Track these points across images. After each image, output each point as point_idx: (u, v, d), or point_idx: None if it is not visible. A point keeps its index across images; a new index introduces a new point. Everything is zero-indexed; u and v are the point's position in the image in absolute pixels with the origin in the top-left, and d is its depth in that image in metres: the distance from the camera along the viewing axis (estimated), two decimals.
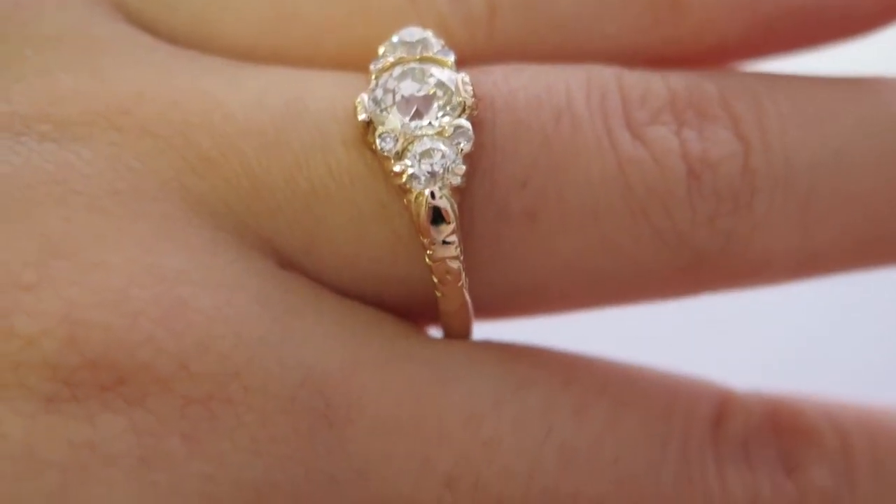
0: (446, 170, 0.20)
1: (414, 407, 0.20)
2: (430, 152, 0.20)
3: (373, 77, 0.21)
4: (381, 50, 0.21)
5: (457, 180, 0.20)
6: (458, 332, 0.21)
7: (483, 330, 0.22)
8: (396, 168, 0.20)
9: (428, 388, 0.20)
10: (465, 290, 0.20)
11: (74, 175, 0.19)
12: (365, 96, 0.20)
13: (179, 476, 0.18)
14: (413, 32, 0.21)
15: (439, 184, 0.20)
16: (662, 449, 0.21)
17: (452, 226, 0.20)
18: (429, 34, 0.21)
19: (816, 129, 0.21)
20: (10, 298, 0.18)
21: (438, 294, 0.21)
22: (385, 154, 0.20)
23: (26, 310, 0.18)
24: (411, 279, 0.21)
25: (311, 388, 0.19)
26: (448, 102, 0.20)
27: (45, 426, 0.18)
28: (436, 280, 0.20)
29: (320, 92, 0.21)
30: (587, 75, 0.21)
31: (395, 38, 0.21)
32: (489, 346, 0.21)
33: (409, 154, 0.20)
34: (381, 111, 0.20)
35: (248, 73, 0.21)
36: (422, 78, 0.20)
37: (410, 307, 0.21)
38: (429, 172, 0.20)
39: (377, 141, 0.20)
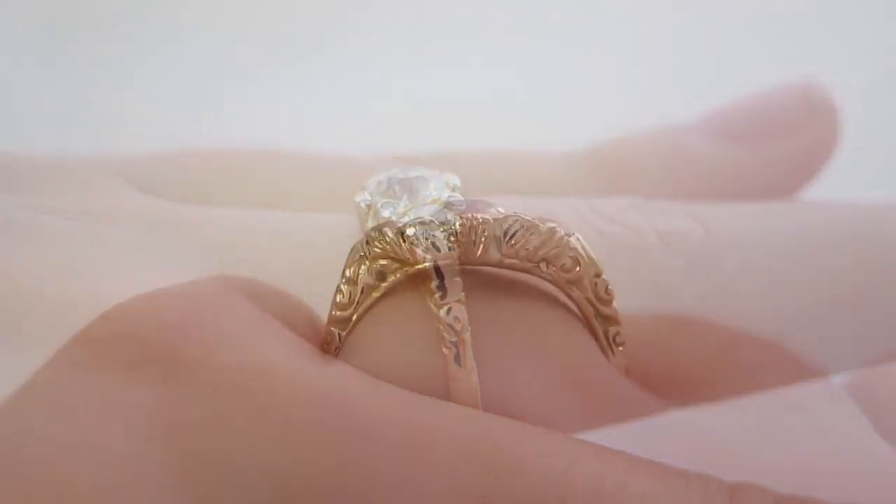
0: (445, 220, 0.21)
1: None
2: (428, 211, 0.21)
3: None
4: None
5: (456, 225, 0.21)
6: None
7: None
8: (399, 224, 0.21)
9: None
10: (475, 371, 0.21)
11: None
12: (358, 196, 0.22)
13: (206, 450, 0.18)
14: None
15: (441, 228, 0.21)
16: (685, 496, 0.21)
17: (455, 257, 0.20)
18: None
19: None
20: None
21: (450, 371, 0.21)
22: (385, 216, 0.21)
23: (56, 285, 0.19)
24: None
25: (338, 403, 0.19)
26: (437, 183, 0.22)
27: (69, 377, 0.18)
28: (445, 350, 0.20)
29: None
30: None
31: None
32: None
33: (408, 216, 0.21)
34: (378, 198, 0.22)
35: None
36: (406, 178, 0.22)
37: None
38: (429, 219, 0.21)
39: (380, 210, 0.21)
